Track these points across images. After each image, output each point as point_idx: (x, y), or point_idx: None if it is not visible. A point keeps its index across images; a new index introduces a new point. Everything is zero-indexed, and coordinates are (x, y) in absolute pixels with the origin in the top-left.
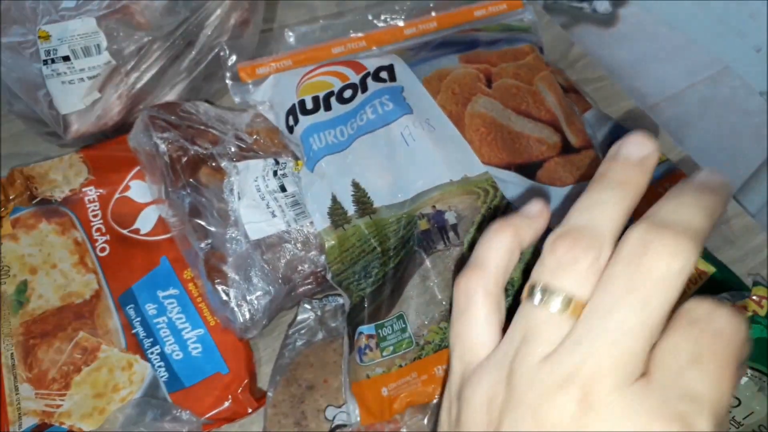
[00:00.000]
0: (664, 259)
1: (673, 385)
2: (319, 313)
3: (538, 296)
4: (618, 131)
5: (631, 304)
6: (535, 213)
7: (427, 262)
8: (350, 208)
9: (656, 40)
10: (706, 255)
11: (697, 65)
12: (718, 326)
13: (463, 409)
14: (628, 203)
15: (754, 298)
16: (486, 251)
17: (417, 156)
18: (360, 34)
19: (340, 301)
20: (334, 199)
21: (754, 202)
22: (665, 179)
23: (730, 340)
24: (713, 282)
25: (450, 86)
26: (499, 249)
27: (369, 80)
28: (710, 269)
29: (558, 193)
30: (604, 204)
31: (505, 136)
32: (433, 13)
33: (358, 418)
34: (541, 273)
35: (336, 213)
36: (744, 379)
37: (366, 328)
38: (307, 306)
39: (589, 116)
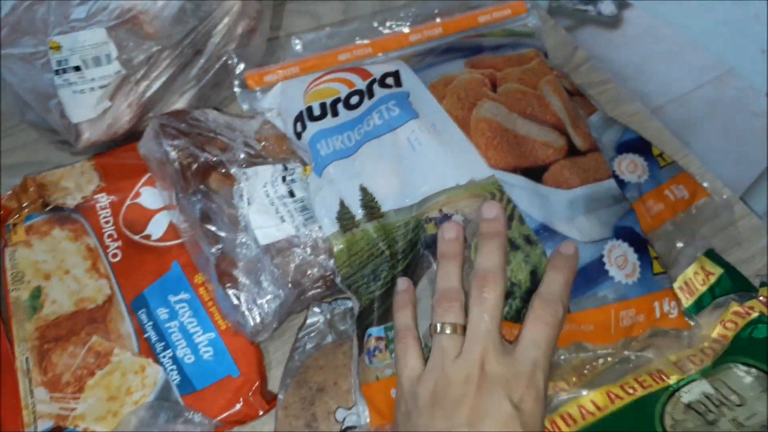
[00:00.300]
0: (490, 292)
1: (526, 358)
2: (328, 316)
3: (440, 330)
4: (624, 134)
5: (482, 318)
6: (404, 288)
7: (435, 266)
8: (358, 213)
9: (661, 42)
10: (714, 257)
11: (702, 67)
12: (550, 319)
13: (419, 399)
14: (460, 264)
15: (761, 298)
16: (401, 320)
17: (423, 160)
18: (366, 41)
19: (350, 304)
20: (341, 204)
21: (762, 203)
22: (672, 181)
23: (558, 327)
24: (721, 283)
25: (455, 91)
26: (405, 317)
27: (375, 86)
28: (718, 271)
29: (564, 196)
30: (450, 273)
31: (511, 140)
32: (438, 20)
33: (368, 420)
34: (437, 318)
35: (344, 217)
36: (748, 380)
37: (375, 330)
38: (317, 309)
39: (594, 119)
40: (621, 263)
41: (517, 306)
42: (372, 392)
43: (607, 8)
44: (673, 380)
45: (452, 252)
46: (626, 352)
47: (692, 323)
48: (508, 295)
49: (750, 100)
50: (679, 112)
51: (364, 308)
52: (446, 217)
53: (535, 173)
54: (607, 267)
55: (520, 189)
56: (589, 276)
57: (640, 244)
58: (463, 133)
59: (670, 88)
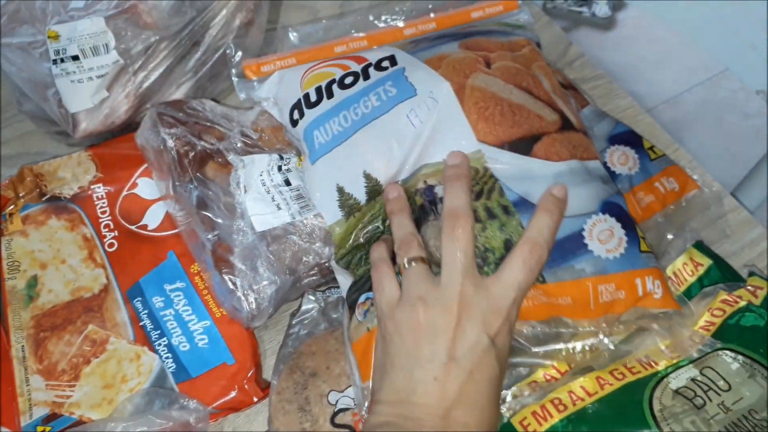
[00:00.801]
0: (461, 229)
1: (506, 296)
2: (322, 304)
3: (407, 265)
4: (615, 128)
5: (457, 255)
6: (383, 237)
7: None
8: (363, 199)
9: (655, 43)
10: (703, 248)
11: (695, 68)
12: (534, 264)
13: (401, 325)
14: (409, 215)
15: (749, 288)
16: (376, 254)
17: (420, 137)
18: (361, 34)
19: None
20: (341, 191)
21: (753, 199)
22: (662, 173)
23: (540, 270)
24: (710, 273)
25: (451, 63)
26: (380, 251)
27: (371, 69)
28: (707, 262)
29: (551, 169)
30: (402, 223)
31: (505, 109)
32: (432, 15)
33: (360, 379)
34: (400, 259)
35: (347, 204)
36: (735, 366)
37: (372, 294)
38: (311, 297)
39: (586, 112)
40: (605, 238)
41: (491, 272)
42: (362, 348)
43: (602, 10)
44: (661, 366)
45: (398, 207)
46: (610, 338)
47: (682, 305)
48: (483, 260)
49: (742, 100)
50: (672, 112)
51: (358, 278)
52: (430, 188)
53: (526, 143)
54: (586, 240)
55: (504, 164)
56: (567, 248)
57: (628, 221)
58: (458, 101)
59: (664, 89)
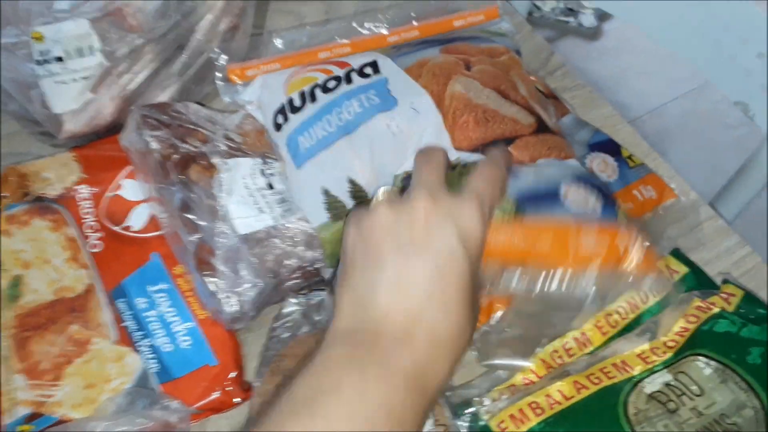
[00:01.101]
0: (433, 154)
1: (474, 189)
2: (304, 307)
3: (381, 196)
4: (595, 136)
5: (428, 171)
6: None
7: None
8: (348, 202)
9: (640, 54)
10: (680, 256)
11: (678, 79)
12: (501, 176)
13: (364, 226)
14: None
15: (722, 295)
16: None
17: (402, 147)
18: (345, 41)
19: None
20: (327, 193)
21: (732, 208)
22: (640, 181)
23: (501, 187)
24: (686, 281)
25: (431, 69)
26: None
27: (353, 74)
28: (683, 269)
29: (523, 171)
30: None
31: (480, 116)
32: (415, 23)
33: None
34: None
35: (334, 207)
36: (708, 371)
37: None
38: (293, 300)
39: (566, 120)
40: (581, 200)
41: None
42: None
43: (588, 20)
44: (636, 371)
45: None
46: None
47: (674, 287)
48: None
49: (724, 112)
50: (656, 123)
51: None
52: (409, 177)
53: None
54: (561, 198)
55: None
56: (543, 200)
57: (604, 192)
58: (438, 111)
59: (648, 99)
